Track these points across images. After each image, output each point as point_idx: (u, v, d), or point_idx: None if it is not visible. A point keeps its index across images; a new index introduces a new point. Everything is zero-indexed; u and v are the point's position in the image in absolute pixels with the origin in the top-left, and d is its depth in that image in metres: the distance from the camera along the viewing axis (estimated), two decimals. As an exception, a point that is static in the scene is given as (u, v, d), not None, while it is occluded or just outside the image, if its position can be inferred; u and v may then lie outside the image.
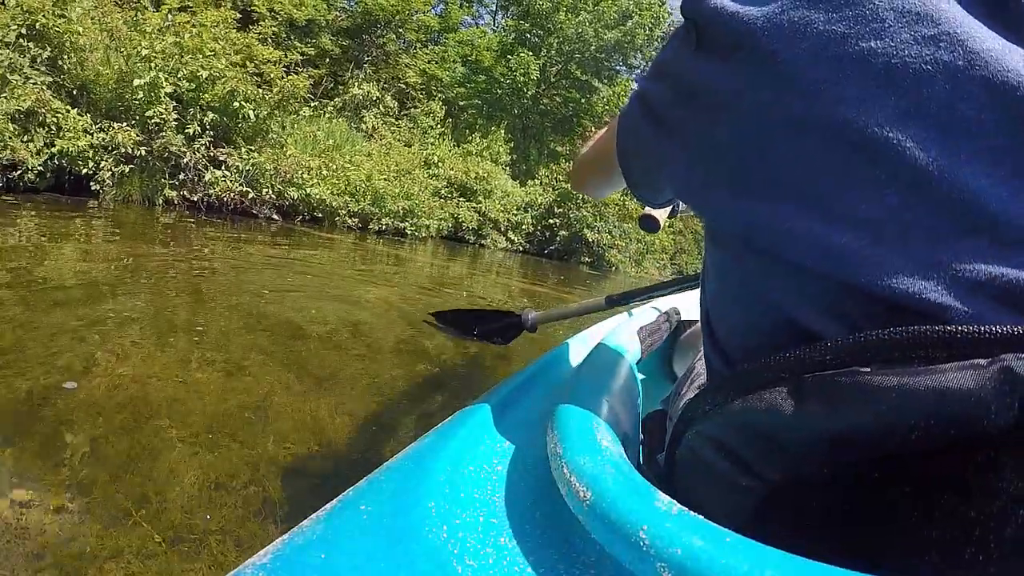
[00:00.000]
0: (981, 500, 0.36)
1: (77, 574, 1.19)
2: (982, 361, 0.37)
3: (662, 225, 1.41)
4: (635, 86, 0.69)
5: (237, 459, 1.67)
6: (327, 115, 12.55)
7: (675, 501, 0.43)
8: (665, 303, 2.17)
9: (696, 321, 1.65)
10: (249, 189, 9.23)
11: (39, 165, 6.99)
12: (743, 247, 0.52)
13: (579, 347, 1.13)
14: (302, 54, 13.05)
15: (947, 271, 0.42)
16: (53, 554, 1.22)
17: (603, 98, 22.83)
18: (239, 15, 10.99)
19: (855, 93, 0.45)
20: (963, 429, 0.36)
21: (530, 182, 19.81)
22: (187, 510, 1.45)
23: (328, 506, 0.53)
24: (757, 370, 0.48)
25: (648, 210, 1.36)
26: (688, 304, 2.30)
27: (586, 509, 0.45)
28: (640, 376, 1.14)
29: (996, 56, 0.44)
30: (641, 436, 0.91)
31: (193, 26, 8.72)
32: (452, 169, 15.91)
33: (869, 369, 0.41)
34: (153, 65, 7.99)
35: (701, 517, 0.40)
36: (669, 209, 1.42)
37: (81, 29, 7.72)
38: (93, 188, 7.70)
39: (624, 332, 1.41)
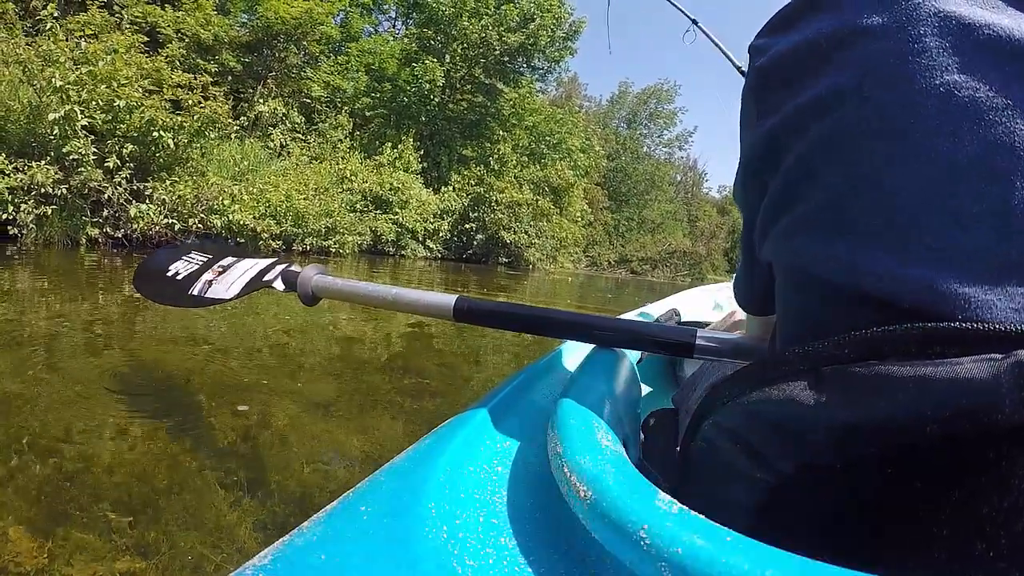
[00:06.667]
0: (992, 496, 0.36)
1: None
2: (997, 355, 0.37)
3: None
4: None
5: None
6: (235, 135, 12.32)
7: (675, 500, 0.43)
8: (665, 304, 2.22)
9: (696, 322, 1.71)
10: (175, 221, 9.06)
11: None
12: (814, 285, 0.51)
13: (579, 347, 1.12)
14: (205, 71, 12.67)
15: None
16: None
17: (509, 101, 23.04)
18: (146, 38, 10.63)
19: (939, 127, 0.44)
20: (976, 422, 0.36)
21: (443, 188, 20.04)
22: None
23: (328, 507, 0.53)
24: (777, 362, 0.49)
25: None
26: (688, 305, 2.36)
27: (587, 508, 0.45)
28: (640, 376, 1.15)
29: None
30: (642, 436, 0.93)
31: (107, 53, 8.50)
32: (366, 182, 15.95)
33: (886, 362, 0.41)
34: (67, 96, 7.71)
35: (702, 516, 0.40)
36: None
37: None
38: (11, 232, 7.47)
39: None
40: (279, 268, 1.53)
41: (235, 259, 1.66)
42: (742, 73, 1.94)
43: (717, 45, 2.16)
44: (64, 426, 2.01)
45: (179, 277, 1.66)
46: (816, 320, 0.52)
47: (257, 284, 1.50)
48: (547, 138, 25.42)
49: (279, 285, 1.48)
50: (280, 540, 0.47)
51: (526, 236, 20.76)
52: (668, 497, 0.43)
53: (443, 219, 19.06)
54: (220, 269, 1.63)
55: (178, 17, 14.26)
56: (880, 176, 0.46)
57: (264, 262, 1.60)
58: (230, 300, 1.53)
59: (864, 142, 0.47)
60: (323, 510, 0.52)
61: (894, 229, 0.45)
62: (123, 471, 1.76)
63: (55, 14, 8.69)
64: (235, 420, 2.27)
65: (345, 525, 0.48)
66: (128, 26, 11.32)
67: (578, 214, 26.00)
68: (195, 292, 1.57)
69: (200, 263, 1.70)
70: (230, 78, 16.13)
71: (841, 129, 0.49)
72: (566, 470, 0.50)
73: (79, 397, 2.28)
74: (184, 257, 1.76)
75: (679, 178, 45.74)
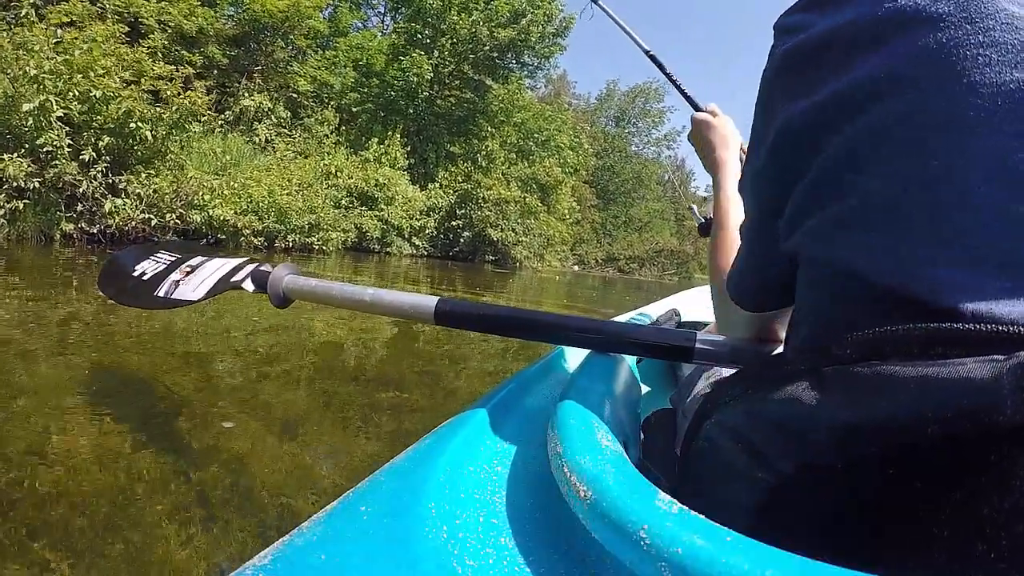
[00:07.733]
0: (993, 496, 0.36)
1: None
2: (1000, 356, 0.37)
3: None
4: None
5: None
6: (220, 129, 12.16)
7: (676, 500, 0.43)
8: (665, 304, 2.22)
9: (696, 322, 1.72)
10: (151, 216, 8.82)
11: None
12: (825, 280, 0.51)
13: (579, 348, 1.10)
14: (189, 63, 12.53)
15: None
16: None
17: (497, 97, 22.96)
18: (127, 28, 10.39)
19: (1009, 125, 0.42)
20: (978, 422, 0.36)
21: (430, 185, 19.93)
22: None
23: (328, 507, 0.53)
24: (779, 362, 0.50)
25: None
26: (688, 305, 2.36)
27: (587, 508, 0.45)
28: (640, 376, 1.14)
29: None
30: (642, 436, 0.93)
31: (84, 42, 8.21)
32: (351, 178, 15.78)
33: (888, 362, 0.41)
34: (42, 87, 7.42)
35: (702, 516, 0.40)
36: None
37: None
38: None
39: None
40: (249, 268, 1.47)
41: (204, 259, 1.61)
42: (648, 54, 1.86)
43: (617, 22, 2.04)
44: (4, 447, 1.85)
45: (145, 277, 1.62)
46: (828, 317, 0.51)
47: (225, 285, 1.45)
48: (536, 135, 25.39)
49: (248, 286, 1.43)
50: (280, 540, 0.47)
51: (513, 234, 20.63)
52: (668, 497, 0.43)
53: (430, 216, 18.93)
54: (188, 269, 1.58)
55: (161, 7, 14.03)
56: (922, 170, 0.44)
57: (234, 261, 1.54)
58: (197, 302, 1.48)
59: (915, 134, 0.45)
60: (323, 510, 0.52)
61: (912, 224, 0.44)
62: (65, 502, 1.60)
63: (36, 2, 8.47)
64: (192, 442, 2.11)
65: (345, 525, 0.48)
66: (110, 16, 11.12)
67: (566, 212, 25.94)
68: (161, 293, 1.52)
69: (168, 263, 1.65)
70: (215, 71, 15.98)
71: (890, 119, 0.46)
72: (566, 470, 0.50)
73: (26, 413, 2.11)
74: (151, 257, 1.72)
75: (667, 177, 45.90)
